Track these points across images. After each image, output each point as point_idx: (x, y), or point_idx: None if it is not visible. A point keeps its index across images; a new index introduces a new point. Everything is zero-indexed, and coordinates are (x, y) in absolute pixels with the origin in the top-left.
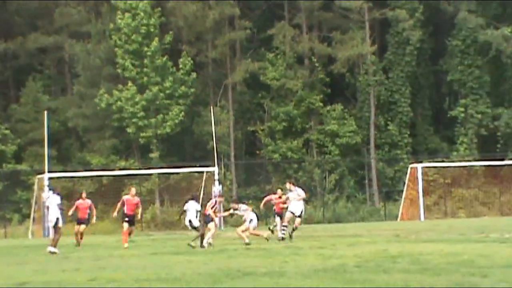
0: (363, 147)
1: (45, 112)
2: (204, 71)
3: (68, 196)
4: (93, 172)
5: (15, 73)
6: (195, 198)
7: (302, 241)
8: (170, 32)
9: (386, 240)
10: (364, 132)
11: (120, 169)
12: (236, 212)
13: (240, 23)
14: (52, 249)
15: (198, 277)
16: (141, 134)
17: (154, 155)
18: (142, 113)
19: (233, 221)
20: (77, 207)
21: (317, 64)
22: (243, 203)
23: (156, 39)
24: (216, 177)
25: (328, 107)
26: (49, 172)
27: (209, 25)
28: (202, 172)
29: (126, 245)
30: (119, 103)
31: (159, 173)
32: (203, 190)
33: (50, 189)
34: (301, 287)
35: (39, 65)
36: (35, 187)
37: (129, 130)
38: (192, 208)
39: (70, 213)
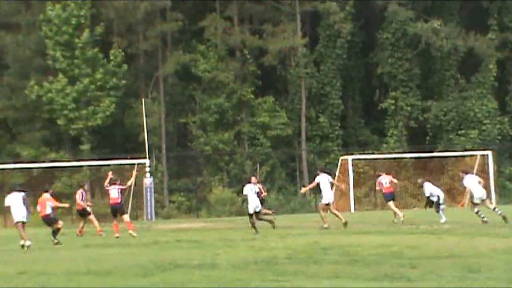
0: (294, 139)
1: None
2: (136, 63)
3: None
4: (23, 164)
5: None
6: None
7: (234, 233)
8: (101, 24)
9: (316, 232)
10: (295, 124)
11: (51, 161)
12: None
13: (172, 15)
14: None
15: (129, 269)
16: (72, 126)
17: (85, 147)
18: (73, 105)
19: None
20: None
21: (248, 57)
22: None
23: (87, 30)
24: (148, 169)
25: (260, 99)
26: None
27: (140, 17)
28: (134, 164)
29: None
30: (49, 94)
31: (90, 165)
32: (134, 182)
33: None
34: (233, 278)
35: None
36: None
37: (59, 121)
38: None
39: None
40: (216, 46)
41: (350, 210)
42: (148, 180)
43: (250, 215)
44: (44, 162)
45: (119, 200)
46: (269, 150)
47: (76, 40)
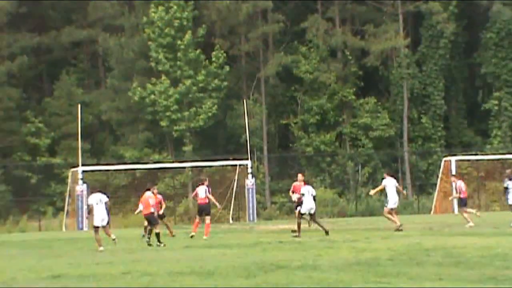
0: (396, 140)
1: (79, 106)
2: (237, 64)
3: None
4: (127, 165)
5: (49, 66)
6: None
7: (336, 235)
8: (203, 26)
9: (419, 233)
10: (397, 125)
11: (154, 163)
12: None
13: (273, 16)
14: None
15: (232, 270)
16: (175, 128)
17: (188, 148)
18: (175, 107)
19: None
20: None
21: (350, 57)
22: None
23: (189, 32)
24: (249, 170)
25: (361, 100)
26: (82, 165)
27: (242, 18)
28: (235, 165)
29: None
30: (152, 96)
31: (192, 167)
32: (236, 183)
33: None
34: (335, 280)
35: (73, 58)
36: (69, 180)
37: (162, 123)
38: None
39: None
40: (318, 47)
41: (453, 211)
42: (249, 181)
43: (301, 215)
44: (147, 163)
45: (206, 200)
46: (371, 151)
47: (179, 42)
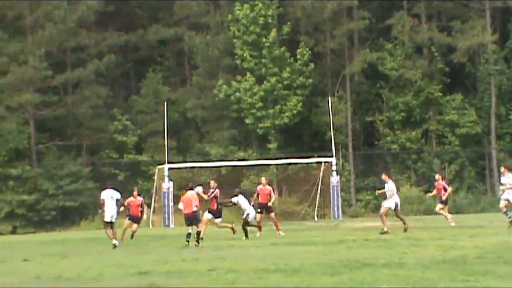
0: (483, 137)
1: (165, 103)
2: (322, 61)
3: (186, 186)
4: (212, 162)
5: (136, 65)
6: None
7: (422, 232)
8: (288, 23)
9: (507, 232)
10: (484, 122)
11: (239, 160)
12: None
13: (359, 13)
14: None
15: (317, 267)
16: (259, 125)
17: (272, 145)
18: (260, 104)
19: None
20: (129, 205)
21: (436, 54)
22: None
23: (274, 30)
24: (334, 167)
25: (448, 97)
26: (168, 162)
27: (327, 16)
28: (320, 162)
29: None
30: (237, 94)
31: (277, 164)
32: (321, 181)
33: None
34: (421, 278)
35: (159, 56)
36: (155, 177)
37: (247, 120)
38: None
39: (121, 209)
40: (403, 44)
41: None
42: (334, 179)
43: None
44: (232, 160)
45: (265, 201)
46: (458, 149)
47: (264, 40)
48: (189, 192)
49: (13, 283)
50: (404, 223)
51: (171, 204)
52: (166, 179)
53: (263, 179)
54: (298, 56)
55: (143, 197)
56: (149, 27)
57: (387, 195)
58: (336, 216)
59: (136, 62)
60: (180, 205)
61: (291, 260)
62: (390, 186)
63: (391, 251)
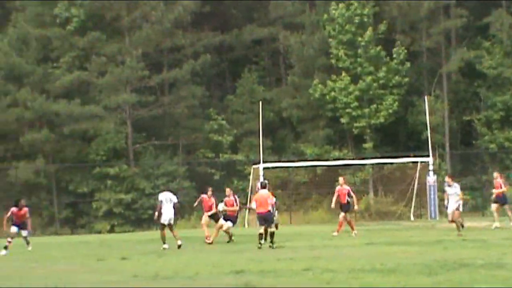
0: None
1: (260, 103)
2: (418, 60)
3: (282, 186)
4: (307, 162)
5: (231, 65)
6: None
7: None
8: (384, 22)
9: None
10: None
11: (334, 159)
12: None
13: (456, 11)
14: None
15: (413, 268)
16: (355, 124)
17: (368, 145)
18: (355, 103)
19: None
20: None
21: None
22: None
23: (370, 28)
24: (431, 167)
25: None
26: (264, 162)
27: (424, 14)
28: (416, 162)
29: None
30: (332, 93)
31: (372, 163)
32: (417, 180)
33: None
34: None
35: (254, 56)
36: (251, 176)
37: (343, 120)
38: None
39: (195, 204)
40: (502, 42)
41: None
42: (431, 179)
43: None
44: (327, 160)
45: (345, 201)
46: None
47: (359, 39)
48: (263, 191)
49: (112, 281)
50: (459, 229)
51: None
52: (261, 178)
53: (341, 179)
54: (394, 55)
55: (239, 197)
56: (244, 27)
57: (454, 198)
58: (432, 216)
59: (232, 62)
60: (253, 204)
61: (387, 260)
62: (455, 189)
63: (490, 251)
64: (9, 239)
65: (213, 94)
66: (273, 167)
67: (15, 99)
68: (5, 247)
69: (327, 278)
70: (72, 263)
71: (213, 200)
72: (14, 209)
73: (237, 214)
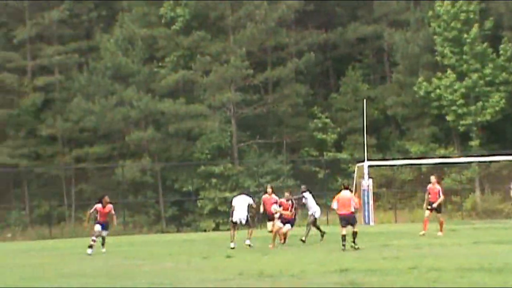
0: None
1: (364, 101)
2: None
3: (386, 184)
4: (412, 160)
5: (335, 63)
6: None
7: None
8: (491, 18)
9: None
10: None
11: (439, 157)
12: None
13: None
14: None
15: None
16: (461, 122)
17: (474, 143)
18: (461, 101)
19: None
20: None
21: None
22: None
23: (476, 25)
24: None
25: None
26: (368, 160)
27: None
28: None
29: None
30: (438, 91)
31: (479, 161)
32: None
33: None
34: None
35: (359, 54)
36: (355, 175)
37: (448, 118)
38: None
39: (261, 210)
40: None
41: None
42: None
43: None
44: (432, 158)
45: (435, 199)
46: None
47: (465, 36)
48: (346, 192)
49: (217, 280)
50: None
51: (371, 202)
52: (366, 176)
53: (432, 178)
54: (501, 52)
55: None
56: (348, 25)
57: None
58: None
59: (335, 60)
60: (334, 205)
61: (495, 259)
62: None
63: None
64: (93, 238)
65: (317, 92)
66: (377, 165)
67: (122, 98)
68: (90, 246)
69: (433, 277)
70: (177, 261)
71: (275, 198)
72: (98, 206)
73: (295, 216)
